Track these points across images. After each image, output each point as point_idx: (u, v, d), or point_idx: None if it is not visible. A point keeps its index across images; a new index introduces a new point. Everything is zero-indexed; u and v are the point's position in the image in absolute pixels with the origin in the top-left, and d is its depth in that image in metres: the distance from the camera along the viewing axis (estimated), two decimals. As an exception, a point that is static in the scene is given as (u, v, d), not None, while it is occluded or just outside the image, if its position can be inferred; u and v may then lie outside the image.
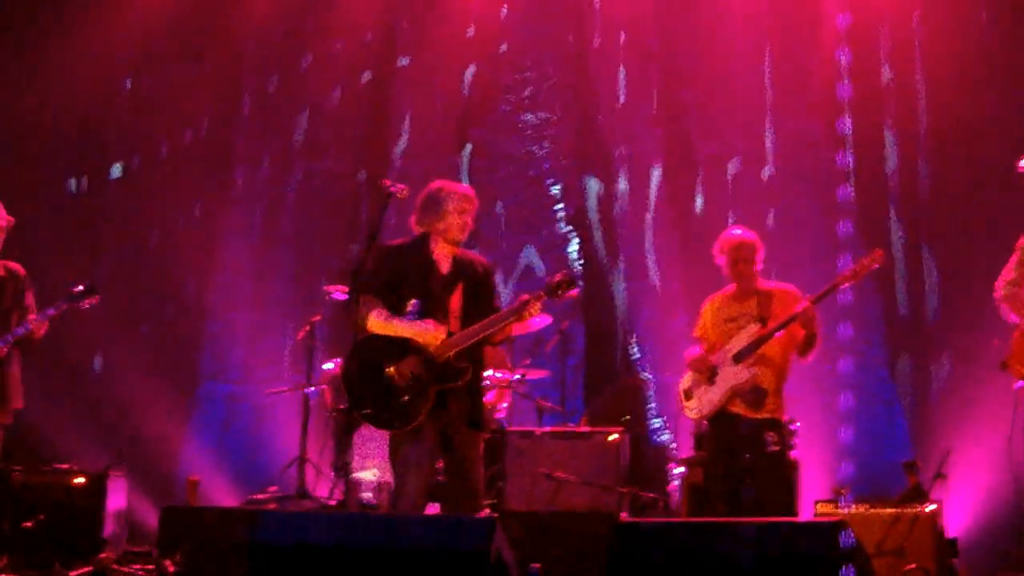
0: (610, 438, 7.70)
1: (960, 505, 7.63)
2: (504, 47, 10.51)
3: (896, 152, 9.24)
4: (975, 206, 8.59)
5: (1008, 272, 6.16)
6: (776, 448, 6.30)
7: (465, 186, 5.96)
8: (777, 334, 6.30)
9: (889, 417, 8.90)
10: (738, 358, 6.33)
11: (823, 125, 9.46)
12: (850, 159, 9.34)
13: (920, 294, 9.00)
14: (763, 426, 6.32)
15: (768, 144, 9.67)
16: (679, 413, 9.12)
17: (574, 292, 5.64)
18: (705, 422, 6.62)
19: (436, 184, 5.82)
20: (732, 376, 6.34)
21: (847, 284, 6.45)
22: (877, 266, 6.30)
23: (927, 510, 6.65)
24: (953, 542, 6.75)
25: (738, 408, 6.36)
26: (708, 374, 6.42)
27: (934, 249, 8.98)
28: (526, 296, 5.55)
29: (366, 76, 10.78)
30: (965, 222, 8.66)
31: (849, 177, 9.31)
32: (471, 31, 10.60)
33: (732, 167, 9.75)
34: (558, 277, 5.58)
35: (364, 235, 5.72)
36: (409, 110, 10.64)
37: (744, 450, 6.33)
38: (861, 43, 9.42)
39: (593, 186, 10.19)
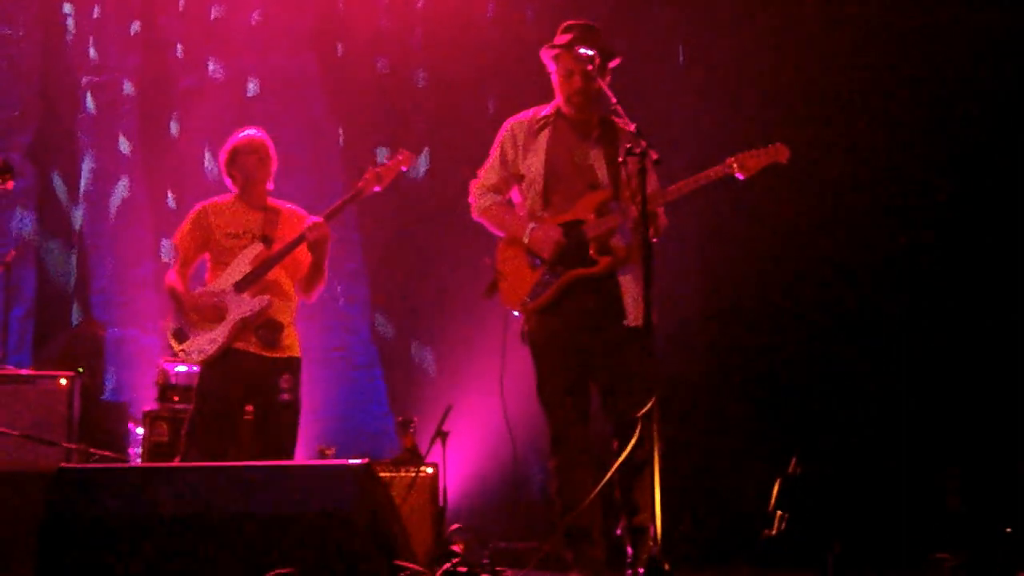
0: (60, 383, 6.40)
1: (459, 466, 7.04)
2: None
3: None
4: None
5: (486, 174, 5.03)
6: (288, 397, 5.32)
7: None
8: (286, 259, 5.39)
9: (370, 370, 8.30)
10: (240, 287, 5.31)
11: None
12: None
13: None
14: (278, 367, 5.34)
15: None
16: (143, 370, 8.08)
17: (8, 185, 4.46)
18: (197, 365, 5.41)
19: None
20: (238, 308, 5.28)
21: (372, 192, 5.46)
22: (406, 168, 5.48)
23: (425, 472, 6.22)
24: (442, 511, 6.24)
25: (250, 346, 5.32)
26: (211, 313, 5.30)
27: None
28: None
29: None
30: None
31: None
32: None
33: (211, 93, 8.72)
34: None
35: None
36: None
37: (251, 395, 5.34)
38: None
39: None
